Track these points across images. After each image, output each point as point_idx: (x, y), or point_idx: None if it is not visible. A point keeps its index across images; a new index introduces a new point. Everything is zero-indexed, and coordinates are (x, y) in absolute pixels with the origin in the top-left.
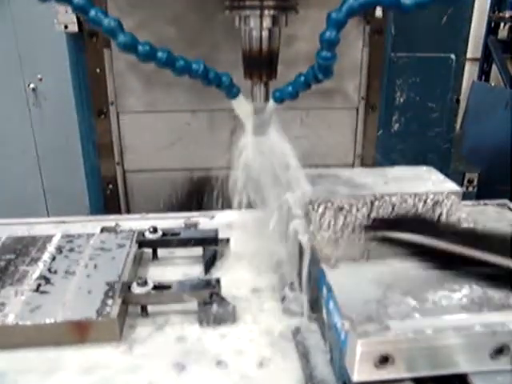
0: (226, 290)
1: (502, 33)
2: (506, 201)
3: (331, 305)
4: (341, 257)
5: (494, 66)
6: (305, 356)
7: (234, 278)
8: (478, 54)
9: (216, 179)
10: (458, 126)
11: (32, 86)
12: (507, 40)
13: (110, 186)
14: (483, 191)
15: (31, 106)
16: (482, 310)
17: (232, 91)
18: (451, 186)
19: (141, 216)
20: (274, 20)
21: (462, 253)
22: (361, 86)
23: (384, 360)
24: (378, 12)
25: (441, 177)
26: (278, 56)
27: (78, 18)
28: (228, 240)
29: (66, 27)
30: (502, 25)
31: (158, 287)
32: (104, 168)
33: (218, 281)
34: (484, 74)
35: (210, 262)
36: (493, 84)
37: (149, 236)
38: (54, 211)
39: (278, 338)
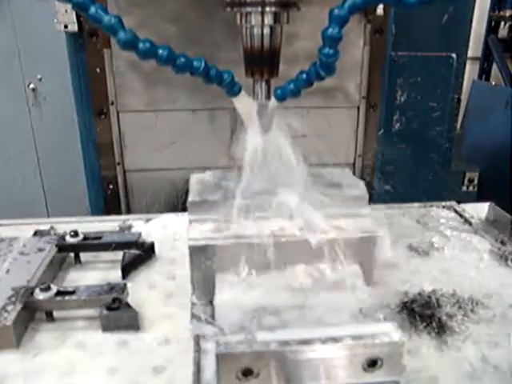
0: (138, 295)
1: (503, 32)
2: (453, 203)
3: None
4: (234, 263)
5: (494, 65)
6: (197, 363)
7: (150, 283)
8: (479, 53)
9: None
10: (458, 126)
11: (32, 86)
12: (507, 39)
13: (111, 186)
14: (483, 190)
15: (31, 106)
16: (359, 322)
17: (233, 89)
18: (361, 188)
19: (77, 219)
20: (276, 17)
21: None
22: (362, 85)
23: (248, 372)
24: (379, 10)
25: (354, 179)
26: (280, 53)
27: (77, 18)
28: (152, 244)
29: (65, 27)
30: (502, 24)
31: (62, 293)
32: (104, 168)
33: (124, 286)
34: (484, 73)
35: (128, 267)
36: (493, 83)
37: (69, 240)
38: (54, 212)
39: (178, 345)
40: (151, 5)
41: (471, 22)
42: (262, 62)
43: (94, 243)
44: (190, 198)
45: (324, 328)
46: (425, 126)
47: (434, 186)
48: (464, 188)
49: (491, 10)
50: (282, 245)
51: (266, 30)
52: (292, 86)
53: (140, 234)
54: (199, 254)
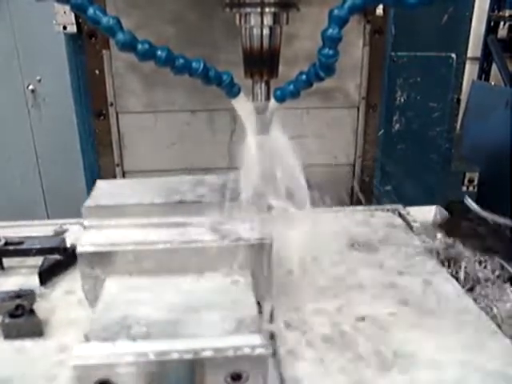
0: (52, 301)
1: (502, 32)
2: (399, 206)
3: None
4: (123, 271)
5: (493, 65)
6: None
7: (68, 288)
8: (478, 53)
9: None
10: (458, 126)
11: (31, 87)
12: (507, 39)
13: None
14: (483, 190)
15: (30, 108)
16: (228, 335)
17: (233, 90)
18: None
19: (13, 223)
20: (275, 18)
21: None
22: (361, 86)
23: None
24: (379, 10)
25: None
26: (279, 54)
27: (76, 19)
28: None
29: (64, 28)
30: (501, 24)
31: None
32: (103, 169)
33: (31, 293)
34: (484, 73)
35: (48, 272)
36: (493, 83)
37: None
38: (53, 213)
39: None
40: (150, 6)
41: (471, 22)
42: (262, 62)
43: (15, 248)
44: (86, 203)
45: (188, 340)
46: (425, 126)
47: (434, 187)
48: (464, 188)
49: (490, 10)
50: (172, 251)
51: (266, 31)
52: (292, 86)
53: (64, 239)
54: (88, 260)
